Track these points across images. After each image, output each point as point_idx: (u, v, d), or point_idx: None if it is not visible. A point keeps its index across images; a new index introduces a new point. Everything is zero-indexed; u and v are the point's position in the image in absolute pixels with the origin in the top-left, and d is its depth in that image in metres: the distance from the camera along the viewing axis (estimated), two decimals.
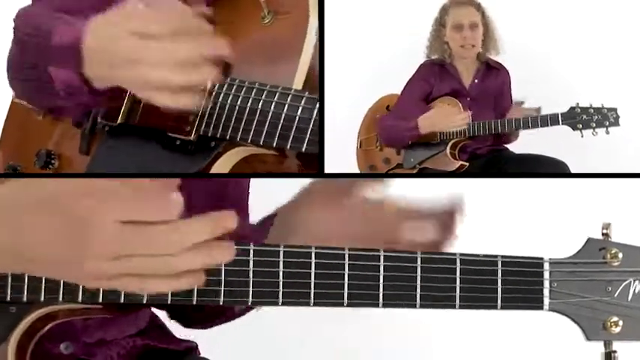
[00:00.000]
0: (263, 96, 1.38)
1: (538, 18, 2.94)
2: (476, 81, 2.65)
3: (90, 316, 1.30)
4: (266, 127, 1.37)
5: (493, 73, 2.66)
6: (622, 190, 2.43)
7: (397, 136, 2.62)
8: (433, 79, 2.64)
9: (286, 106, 1.36)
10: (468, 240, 2.39)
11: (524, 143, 2.64)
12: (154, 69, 1.19)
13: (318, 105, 1.33)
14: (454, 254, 1.28)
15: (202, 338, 1.59)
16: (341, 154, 2.41)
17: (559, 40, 2.93)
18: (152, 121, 1.47)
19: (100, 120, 1.52)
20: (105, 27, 1.24)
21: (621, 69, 2.86)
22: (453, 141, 2.58)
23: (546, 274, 1.29)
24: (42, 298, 1.24)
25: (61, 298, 1.24)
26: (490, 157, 2.64)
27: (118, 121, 1.50)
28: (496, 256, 1.29)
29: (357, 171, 2.81)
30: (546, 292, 1.28)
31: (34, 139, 1.62)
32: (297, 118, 1.34)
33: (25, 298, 1.24)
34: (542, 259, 1.29)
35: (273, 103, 1.37)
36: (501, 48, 2.62)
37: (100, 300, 1.24)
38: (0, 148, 1.67)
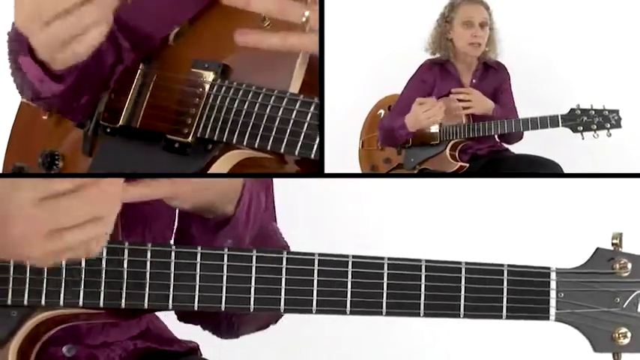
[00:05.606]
0: (259, 99, 1.37)
1: (538, 18, 2.93)
2: (474, 81, 2.64)
3: (93, 321, 1.30)
4: (261, 130, 1.36)
5: (491, 72, 2.65)
6: (627, 192, 2.42)
7: (392, 136, 2.61)
8: (433, 79, 2.63)
9: (281, 109, 1.35)
10: (471, 241, 2.39)
11: (526, 144, 2.63)
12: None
13: (312, 108, 1.32)
14: (459, 263, 1.28)
15: (203, 339, 1.59)
16: (340, 154, 2.40)
17: (560, 40, 2.93)
18: (152, 124, 1.47)
19: (101, 122, 1.52)
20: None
21: (624, 69, 2.84)
22: (452, 142, 2.57)
23: (553, 284, 1.28)
24: (43, 302, 1.24)
25: (62, 302, 1.24)
26: (490, 158, 2.63)
27: (119, 123, 1.50)
28: (502, 265, 1.28)
29: (355, 171, 2.80)
30: (553, 302, 1.28)
31: (39, 139, 1.62)
32: (292, 121, 1.33)
33: (26, 302, 1.24)
34: (549, 268, 1.28)
35: (269, 107, 1.36)
36: (500, 51, 2.61)
37: (102, 304, 1.24)
38: (7, 147, 1.68)
